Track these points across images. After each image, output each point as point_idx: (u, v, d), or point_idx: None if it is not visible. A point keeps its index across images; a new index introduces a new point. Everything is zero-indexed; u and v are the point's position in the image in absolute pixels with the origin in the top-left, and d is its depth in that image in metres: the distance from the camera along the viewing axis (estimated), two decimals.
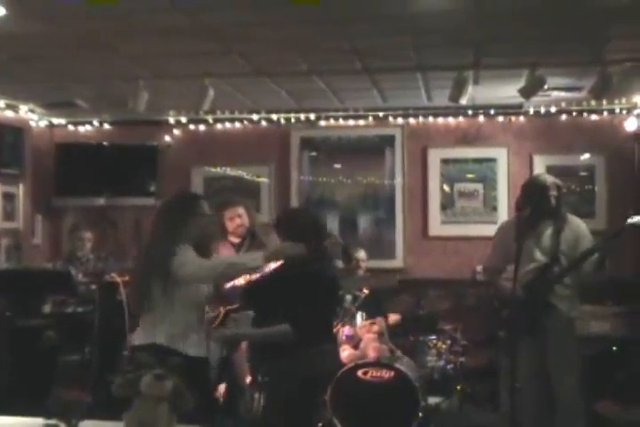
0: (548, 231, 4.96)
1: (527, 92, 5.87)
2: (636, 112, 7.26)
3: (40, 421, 2.82)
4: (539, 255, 4.93)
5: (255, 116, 7.91)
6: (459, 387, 6.30)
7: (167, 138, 8.11)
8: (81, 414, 2.73)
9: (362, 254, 6.79)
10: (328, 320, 4.28)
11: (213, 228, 4.24)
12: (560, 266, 4.86)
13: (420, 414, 5.54)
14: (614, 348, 6.35)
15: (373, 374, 5.61)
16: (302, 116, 7.86)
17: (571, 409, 4.87)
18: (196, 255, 3.85)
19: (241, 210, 5.61)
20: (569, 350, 4.91)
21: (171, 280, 3.78)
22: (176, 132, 8.13)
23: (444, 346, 6.30)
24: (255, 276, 5.20)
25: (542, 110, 7.45)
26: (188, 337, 3.91)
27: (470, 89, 5.99)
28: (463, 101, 6.11)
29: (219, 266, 3.86)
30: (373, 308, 6.32)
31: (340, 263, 6.79)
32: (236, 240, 5.65)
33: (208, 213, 4.07)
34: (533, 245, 4.92)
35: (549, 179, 5.04)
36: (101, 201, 7.78)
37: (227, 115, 7.90)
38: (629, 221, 4.66)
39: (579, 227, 5.02)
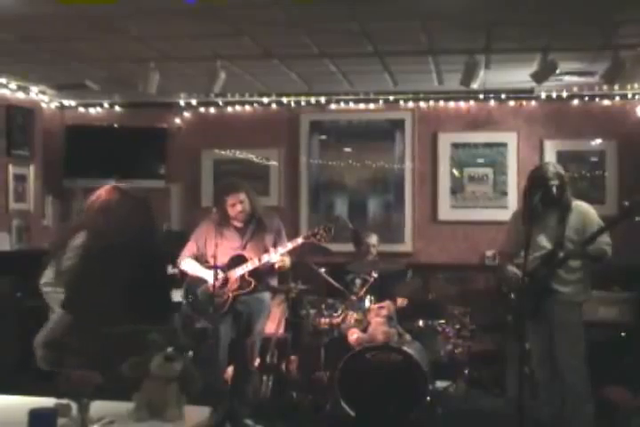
0: (554, 219, 5.01)
1: (539, 77, 5.84)
2: None
3: (52, 400, 2.85)
4: (545, 242, 4.99)
5: (265, 99, 7.90)
6: (466, 371, 6.32)
7: (177, 120, 8.11)
8: (92, 394, 2.75)
9: (373, 239, 6.79)
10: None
11: None
12: (565, 251, 4.89)
13: (428, 398, 5.56)
14: (622, 334, 6.35)
15: (381, 357, 5.64)
16: (312, 100, 7.85)
17: (578, 393, 4.90)
18: None
19: (242, 196, 5.56)
20: (573, 335, 4.94)
21: None
22: (186, 114, 8.13)
23: (452, 330, 6.31)
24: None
25: (554, 95, 7.41)
26: None
27: (481, 73, 5.97)
28: (474, 86, 6.09)
29: None
30: (382, 292, 6.33)
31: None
32: (239, 225, 5.65)
33: None
34: (540, 233, 4.99)
35: (551, 168, 5.06)
36: (111, 183, 7.78)
37: (237, 98, 7.89)
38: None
39: (585, 213, 5.04)
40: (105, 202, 4.18)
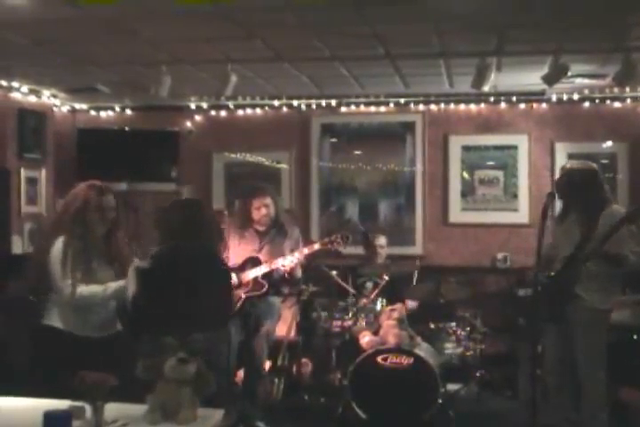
0: (581, 220, 4.88)
1: (550, 79, 5.83)
2: None
3: (66, 403, 2.86)
4: (571, 245, 4.85)
5: (276, 102, 7.91)
6: (477, 374, 6.32)
7: (188, 123, 8.13)
8: (106, 396, 2.76)
9: (382, 241, 6.78)
10: None
11: None
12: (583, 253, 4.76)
13: (439, 401, 5.56)
14: (634, 336, 6.33)
15: (393, 360, 5.64)
16: (323, 103, 7.85)
17: (595, 400, 4.82)
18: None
19: (268, 200, 5.61)
20: (594, 342, 4.83)
21: None
22: (197, 117, 8.16)
23: (463, 333, 6.31)
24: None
25: (565, 97, 7.40)
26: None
27: (492, 76, 5.96)
28: (485, 88, 6.09)
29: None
30: (393, 294, 6.33)
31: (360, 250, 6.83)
32: (261, 228, 5.67)
33: None
34: (570, 234, 4.88)
35: (577, 168, 4.96)
36: (123, 186, 7.80)
37: (248, 101, 7.90)
38: None
39: (616, 216, 4.77)
40: (82, 201, 4.19)
